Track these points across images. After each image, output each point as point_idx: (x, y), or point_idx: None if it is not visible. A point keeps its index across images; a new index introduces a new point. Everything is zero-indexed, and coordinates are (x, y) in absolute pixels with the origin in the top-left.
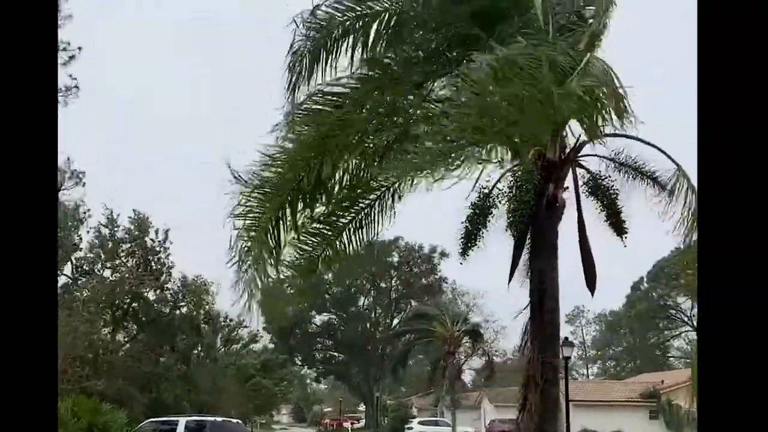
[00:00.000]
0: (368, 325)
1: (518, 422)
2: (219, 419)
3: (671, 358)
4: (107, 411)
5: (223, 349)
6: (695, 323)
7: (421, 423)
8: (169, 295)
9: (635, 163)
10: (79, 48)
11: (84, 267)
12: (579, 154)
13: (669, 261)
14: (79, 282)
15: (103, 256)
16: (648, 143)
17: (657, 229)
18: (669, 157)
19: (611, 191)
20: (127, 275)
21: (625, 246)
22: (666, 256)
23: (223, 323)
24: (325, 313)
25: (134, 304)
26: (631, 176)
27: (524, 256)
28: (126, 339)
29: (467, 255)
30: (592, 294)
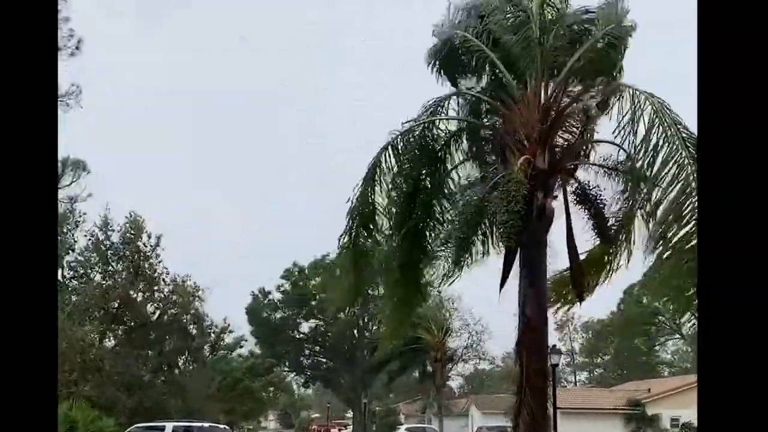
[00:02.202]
0: (355, 332)
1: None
2: (206, 424)
3: (658, 366)
4: (95, 417)
5: (209, 355)
6: (683, 331)
7: (408, 430)
8: (159, 300)
9: (623, 168)
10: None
11: (77, 270)
12: (569, 162)
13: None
14: (70, 286)
15: (94, 260)
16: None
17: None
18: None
19: (598, 201)
20: (118, 279)
21: (608, 258)
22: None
23: (208, 329)
24: (312, 320)
25: (124, 308)
26: (620, 181)
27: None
28: (115, 343)
29: (460, 263)
30: (580, 301)
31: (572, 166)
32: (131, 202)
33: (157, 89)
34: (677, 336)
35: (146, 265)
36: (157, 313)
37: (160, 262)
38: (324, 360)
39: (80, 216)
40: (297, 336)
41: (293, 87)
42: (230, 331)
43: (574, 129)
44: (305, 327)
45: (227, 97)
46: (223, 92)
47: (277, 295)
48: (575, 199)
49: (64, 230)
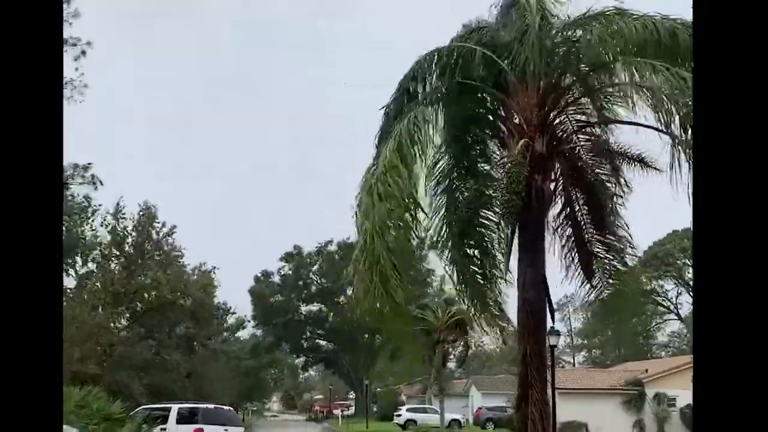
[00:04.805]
0: (356, 315)
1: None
2: (211, 406)
3: (655, 347)
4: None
5: (215, 338)
6: (680, 311)
7: (409, 410)
8: (170, 286)
9: (621, 148)
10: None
11: (91, 257)
12: (567, 145)
13: (663, 245)
14: (83, 273)
15: (108, 248)
16: (639, 124)
17: (650, 213)
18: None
19: (596, 184)
20: (131, 266)
21: (600, 244)
22: (658, 240)
23: (215, 313)
24: (313, 303)
25: (135, 294)
26: (619, 161)
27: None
28: (126, 327)
29: (463, 246)
30: (590, 280)
31: (571, 150)
32: (139, 191)
33: (160, 80)
34: (674, 317)
35: (157, 252)
36: (168, 298)
37: (172, 243)
38: (325, 343)
39: (96, 206)
40: (298, 318)
41: (300, 76)
42: (233, 313)
43: (572, 113)
44: (305, 310)
45: (231, 87)
46: (227, 82)
47: (276, 278)
48: (572, 182)
49: (77, 220)
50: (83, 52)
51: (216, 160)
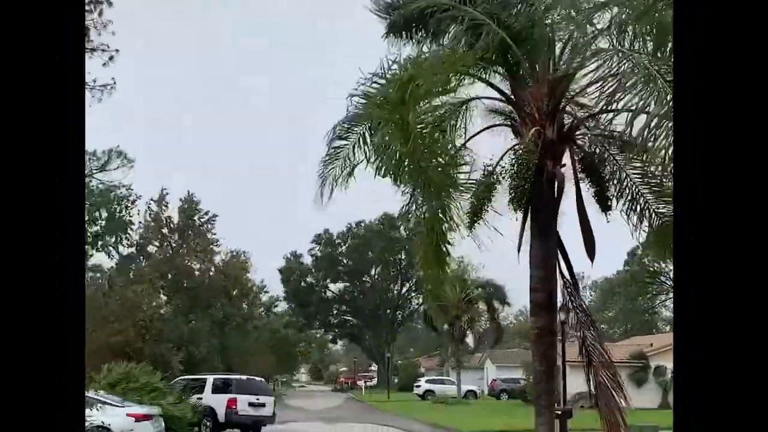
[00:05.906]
0: (379, 293)
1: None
2: (244, 377)
3: (660, 323)
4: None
5: (248, 318)
6: None
7: (428, 382)
8: (209, 269)
9: (624, 136)
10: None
11: (134, 242)
12: (576, 132)
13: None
14: (129, 256)
15: (151, 233)
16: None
17: None
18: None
19: (600, 170)
20: (173, 251)
21: (608, 221)
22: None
23: (248, 292)
24: (339, 282)
25: (177, 276)
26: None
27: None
28: (167, 304)
29: (474, 228)
30: (592, 262)
31: (580, 136)
32: (139, 191)
33: (160, 80)
34: None
35: (198, 239)
36: (207, 280)
37: (211, 230)
38: (351, 319)
39: (137, 196)
40: (326, 296)
41: (300, 76)
42: (266, 291)
43: (581, 100)
44: (334, 288)
45: (231, 87)
46: (227, 82)
47: (306, 259)
48: (581, 168)
49: (117, 208)
50: (111, 58)
51: (216, 160)
